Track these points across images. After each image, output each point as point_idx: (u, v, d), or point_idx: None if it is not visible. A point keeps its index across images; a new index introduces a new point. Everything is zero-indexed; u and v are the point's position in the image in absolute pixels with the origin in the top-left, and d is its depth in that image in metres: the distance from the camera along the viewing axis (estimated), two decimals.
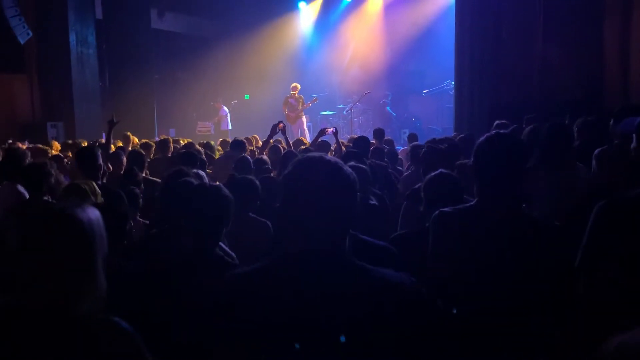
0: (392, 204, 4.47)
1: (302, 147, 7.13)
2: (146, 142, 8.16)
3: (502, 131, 2.38)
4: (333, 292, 1.43)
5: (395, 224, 3.93)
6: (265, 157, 5.91)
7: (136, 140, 8.90)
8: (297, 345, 1.38)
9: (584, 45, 8.57)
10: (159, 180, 4.92)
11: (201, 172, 4.02)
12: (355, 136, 8.26)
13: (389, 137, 9.31)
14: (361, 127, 15.48)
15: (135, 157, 5.69)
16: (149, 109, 14.62)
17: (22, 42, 11.31)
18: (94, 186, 3.41)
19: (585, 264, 2.24)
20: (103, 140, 7.39)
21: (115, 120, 6.43)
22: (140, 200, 4.19)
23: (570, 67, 8.73)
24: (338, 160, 1.55)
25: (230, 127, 15.32)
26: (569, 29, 8.67)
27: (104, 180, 4.48)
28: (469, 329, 2.10)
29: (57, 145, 8.46)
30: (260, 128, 11.46)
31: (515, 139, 2.36)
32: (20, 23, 11.12)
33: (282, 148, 6.99)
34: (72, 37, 11.98)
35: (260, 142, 8.39)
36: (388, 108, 16.11)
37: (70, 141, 8.52)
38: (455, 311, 2.11)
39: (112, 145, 6.89)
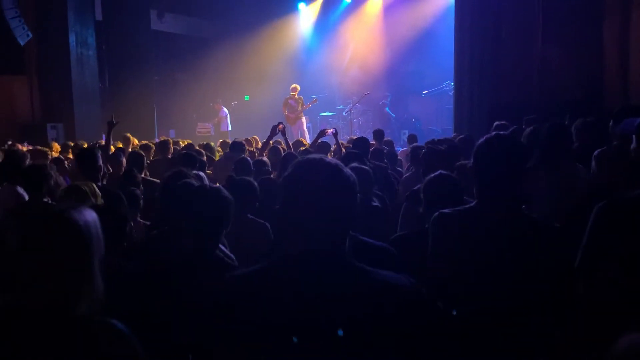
0: (392, 204, 4.47)
1: (302, 148, 7.13)
2: (146, 144, 8.17)
3: (501, 132, 2.38)
4: (333, 294, 1.43)
5: (395, 225, 3.93)
6: (265, 158, 5.90)
7: (136, 141, 8.90)
8: (295, 339, 1.38)
9: (584, 45, 8.58)
10: (158, 181, 4.93)
11: (201, 174, 4.03)
12: (355, 137, 8.26)
13: (389, 138, 9.31)
14: (361, 128, 15.48)
15: (135, 159, 5.70)
16: (148, 110, 14.62)
17: (22, 43, 11.30)
18: (94, 187, 3.41)
19: (585, 264, 2.25)
20: (103, 142, 7.39)
21: (114, 121, 6.44)
22: (141, 201, 4.20)
23: (570, 67, 8.73)
24: (338, 162, 1.55)
25: (230, 128, 15.32)
26: (568, 29, 8.68)
27: (104, 182, 4.48)
28: (469, 330, 2.10)
29: (57, 147, 8.47)
30: (260, 129, 11.46)
31: (515, 140, 2.36)
32: (20, 24, 11.12)
33: (281, 149, 6.99)
34: (72, 39, 11.99)
35: (260, 143, 8.39)
36: (387, 109, 16.11)
37: (71, 143, 8.51)
38: (455, 312, 2.11)
39: (112, 147, 6.90)
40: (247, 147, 7.54)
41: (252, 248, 3.16)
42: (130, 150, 7.72)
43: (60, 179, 4.09)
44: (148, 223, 4.06)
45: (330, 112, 16.22)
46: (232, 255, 2.67)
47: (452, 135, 8.79)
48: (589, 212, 2.27)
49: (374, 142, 7.82)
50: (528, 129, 4.10)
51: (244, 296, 1.48)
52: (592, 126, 4.71)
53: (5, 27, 10.91)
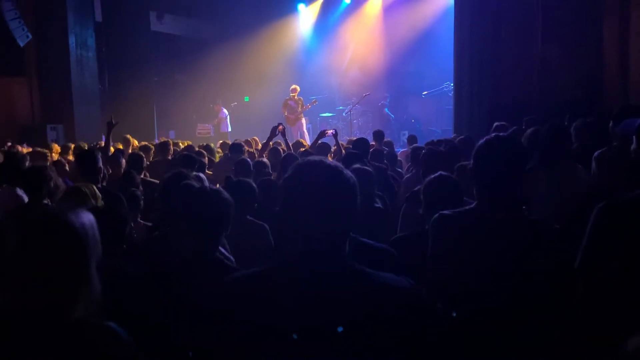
0: (391, 205, 4.47)
1: (302, 149, 7.13)
2: (145, 145, 8.18)
3: (501, 134, 2.38)
4: (332, 296, 1.43)
5: (395, 226, 3.93)
6: (265, 159, 5.90)
7: (136, 142, 8.91)
8: (294, 339, 1.38)
9: (584, 45, 8.58)
10: (157, 182, 4.94)
11: (201, 175, 4.03)
12: (355, 138, 8.26)
13: (389, 139, 9.31)
14: (360, 128, 15.49)
15: (134, 160, 5.71)
16: (148, 111, 14.62)
17: (21, 44, 11.31)
18: (94, 189, 3.41)
19: (585, 265, 2.25)
20: (103, 143, 7.40)
21: (114, 122, 6.45)
22: (142, 202, 4.21)
23: (570, 67, 8.74)
24: (338, 164, 1.55)
25: (229, 129, 15.31)
26: (568, 29, 8.68)
27: (104, 183, 4.49)
28: (469, 331, 2.10)
29: (57, 148, 8.47)
30: (259, 130, 11.47)
31: (515, 142, 2.36)
32: (19, 26, 11.12)
33: (281, 150, 6.99)
34: (72, 40, 11.99)
35: (260, 145, 8.39)
36: (386, 110, 16.11)
37: (71, 144, 8.51)
38: (455, 314, 2.11)
39: (112, 148, 6.91)
40: (246, 148, 7.55)
41: (251, 249, 3.16)
42: (130, 151, 7.72)
43: (60, 181, 4.09)
44: (149, 224, 4.06)
45: (330, 113, 16.23)
46: (231, 258, 2.68)
47: (452, 136, 8.79)
48: (589, 212, 2.27)
49: (373, 143, 7.82)
50: (529, 130, 4.10)
51: (243, 297, 1.49)
52: (592, 126, 4.71)
53: (5, 28, 10.91)
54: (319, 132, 8.11)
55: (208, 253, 2.53)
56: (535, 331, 2.11)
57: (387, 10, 16.45)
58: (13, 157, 5.39)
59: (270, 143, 7.15)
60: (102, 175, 4.37)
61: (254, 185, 3.76)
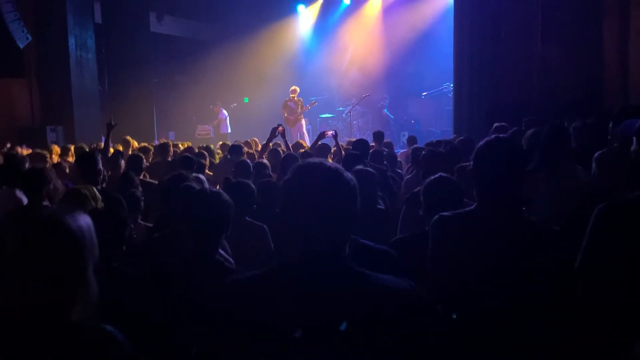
0: (391, 206, 4.46)
1: (302, 150, 7.13)
2: (144, 146, 8.18)
3: (501, 135, 2.38)
4: (332, 297, 1.43)
5: (395, 227, 3.93)
6: (265, 161, 5.91)
7: (136, 144, 8.91)
8: (294, 339, 1.38)
9: (584, 45, 8.59)
10: (156, 183, 4.94)
11: (201, 177, 4.03)
12: (355, 139, 8.26)
13: (388, 140, 9.31)
14: (360, 129, 15.50)
15: (134, 161, 5.72)
16: (148, 112, 14.62)
17: (21, 46, 11.29)
18: (94, 191, 3.41)
19: (585, 267, 2.24)
20: (102, 144, 7.40)
21: (113, 123, 6.45)
22: (142, 203, 4.20)
23: (569, 67, 8.74)
24: (338, 166, 1.55)
25: (229, 131, 15.32)
26: (568, 29, 8.69)
27: (104, 185, 4.48)
28: (469, 332, 2.10)
29: (57, 149, 8.46)
30: (259, 131, 11.46)
31: (515, 143, 2.36)
32: (19, 27, 11.11)
33: (281, 152, 6.99)
34: (72, 41, 11.99)
35: (260, 146, 8.39)
36: (386, 110, 16.12)
37: (71, 146, 8.51)
38: (455, 316, 2.11)
39: (111, 149, 6.91)
40: (246, 150, 7.54)
41: (250, 251, 3.16)
42: (130, 153, 7.72)
43: (59, 183, 4.08)
44: (149, 225, 4.06)
45: (329, 114, 16.24)
46: (231, 260, 2.68)
47: (452, 136, 8.79)
48: (589, 213, 2.27)
49: (373, 144, 7.82)
50: (529, 132, 4.09)
51: (243, 297, 1.49)
52: (591, 127, 4.71)
53: (5, 30, 10.91)
54: (318, 133, 8.11)
55: (208, 254, 2.54)
56: (535, 332, 2.11)
57: (387, 11, 16.46)
58: (13, 159, 5.39)
59: (270, 144, 7.15)
60: (102, 177, 4.38)
61: (253, 186, 3.76)
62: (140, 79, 14.17)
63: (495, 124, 6.40)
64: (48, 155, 7.03)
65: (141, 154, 6.51)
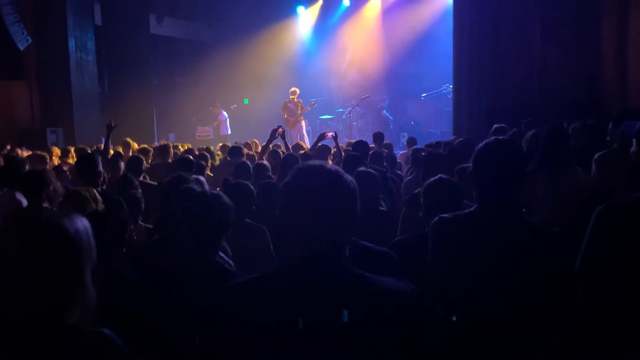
0: (391, 207, 4.46)
1: (302, 151, 7.13)
2: (144, 148, 8.19)
3: (500, 137, 2.38)
4: (332, 299, 1.43)
5: (395, 228, 3.93)
6: (265, 162, 5.91)
7: (136, 145, 8.92)
8: (294, 339, 1.38)
9: (583, 45, 8.59)
10: (156, 184, 4.94)
11: (201, 178, 4.03)
12: (354, 140, 8.27)
13: (388, 141, 9.31)
14: (360, 131, 15.51)
15: (133, 163, 5.72)
16: (148, 114, 14.63)
17: (21, 48, 11.30)
18: (94, 193, 3.42)
19: (585, 268, 2.24)
20: (102, 146, 7.40)
21: (113, 125, 6.45)
22: (142, 204, 4.21)
23: (569, 67, 8.74)
24: (338, 168, 1.55)
25: (229, 132, 15.33)
26: (567, 30, 8.69)
27: (104, 187, 4.49)
28: (470, 333, 2.10)
29: (57, 151, 8.46)
30: (259, 132, 11.47)
31: (514, 144, 2.36)
32: (19, 29, 11.12)
33: (281, 153, 6.99)
34: (71, 43, 12.00)
35: (260, 147, 8.40)
36: (385, 112, 16.12)
37: (71, 148, 8.51)
38: (454, 318, 2.11)
39: (111, 150, 6.91)
40: (246, 151, 7.55)
41: (250, 252, 3.15)
42: (130, 154, 7.72)
43: (59, 185, 4.09)
44: (150, 226, 4.07)
45: (329, 115, 16.25)
46: (231, 262, 2.68)
47: (452, 137, 8.79)
48: (589, 215, 2.27)
49: (373, 145, 7.82)
50: (529, 133, 4.09)
51: (243, 299, 1.49)
52: (590, 128, 4.71)
53: (5, 32, 10.91)
54: (318, 134, 8.12)
55: (208, 256, 2.54)
56: (535, 333, 2.11)
57: (386, 12, 16.47)
58: (13, 161, 5.39)
59: (270, 146, 7.16)
60: (102, 178, 4.38)
61: (252, 187, 3.76)
62: (140, 80, 14.18)
63: (495, 126, 6.40)
64: (48, 157, 7.03)
65: (141, 156, 6.51)
